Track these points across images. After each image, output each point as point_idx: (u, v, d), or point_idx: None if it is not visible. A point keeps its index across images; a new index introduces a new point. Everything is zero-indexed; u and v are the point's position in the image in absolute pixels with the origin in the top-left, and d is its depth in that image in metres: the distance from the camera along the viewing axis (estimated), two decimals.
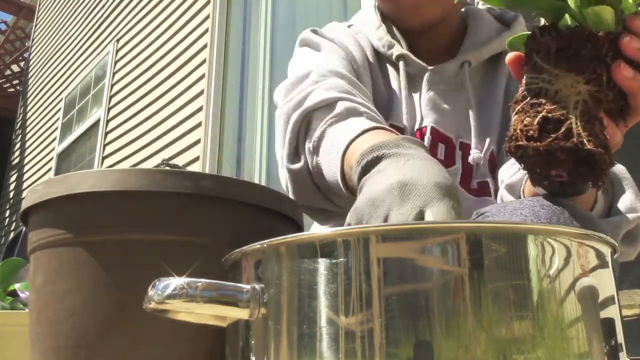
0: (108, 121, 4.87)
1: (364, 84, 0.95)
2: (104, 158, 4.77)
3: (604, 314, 0.43)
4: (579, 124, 0.53)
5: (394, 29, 1.03)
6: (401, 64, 0.99)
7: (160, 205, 0.58)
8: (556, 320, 0.40)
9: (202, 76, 3.64)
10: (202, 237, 0.58)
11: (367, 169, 0.64)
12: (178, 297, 0.42)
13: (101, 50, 5.39)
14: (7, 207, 6.88)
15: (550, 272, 0.41)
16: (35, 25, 7.68)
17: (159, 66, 4.21)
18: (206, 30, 3.74)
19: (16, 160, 6.98)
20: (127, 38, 4.84)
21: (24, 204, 0.64)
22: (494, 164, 0.96)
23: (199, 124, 3.54)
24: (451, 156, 0.96)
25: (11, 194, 6.89)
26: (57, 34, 6.76)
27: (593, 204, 0.77)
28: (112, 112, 4.83)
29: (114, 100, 4.85)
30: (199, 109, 3.58)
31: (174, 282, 0.42)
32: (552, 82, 0.56)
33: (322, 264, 0.41)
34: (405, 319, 0.39)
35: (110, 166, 4.39)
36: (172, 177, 0.58)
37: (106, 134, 4.81)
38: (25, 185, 6.42)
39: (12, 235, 5.11)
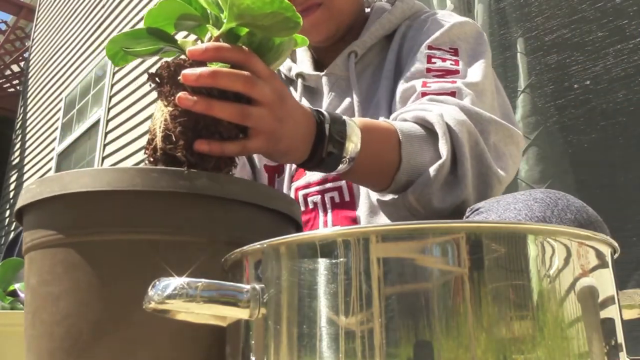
0: (108, 121, 4.87)
1: None
2: (104, 158, 4.76)
3: (604, 314, 0.43)
4: (158, 138, 0.64)
5: (307, 50, 1.16)
6: (299, 81, 1.11)
7: (155, 205, 0.57)
8: (556, 320, 0.40)
9: None
10: (199, 237, 0.57)
11: None
12: (178, 297, 0.42)
13: (101, 50, 5.39)
14: (7, 207, 6.88)
15: (550, 272, 0.41)
16: (35, 25, 7.68)
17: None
18: None
19: (16, 160, 6.98)
20: None
21: (18, 203, 0.63)
22: None
23: None
24: None
25: (11, 194, 6.89)
26: (57, 34, 6.76)
27: (391, 176, 0.82)
28: (112, 112, 4.83)
29: (114, 100, 4.85)
30: None
31: (174, 282, 0.42)
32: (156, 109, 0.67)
33: (322, 264, 0.41)
34: (405, 319, 0.39)
35: (110, 166, 4.39)
36: (167, 176, 0.57)
37: (106, 134, 4.81)
38: (25, 185, 6.41)
39: (12, 235, 5.11)
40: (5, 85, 8.41)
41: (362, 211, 0.98)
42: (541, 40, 2.03)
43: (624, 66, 1.80)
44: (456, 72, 0.96)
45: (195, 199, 0.57)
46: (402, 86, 0.97)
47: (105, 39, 5.36)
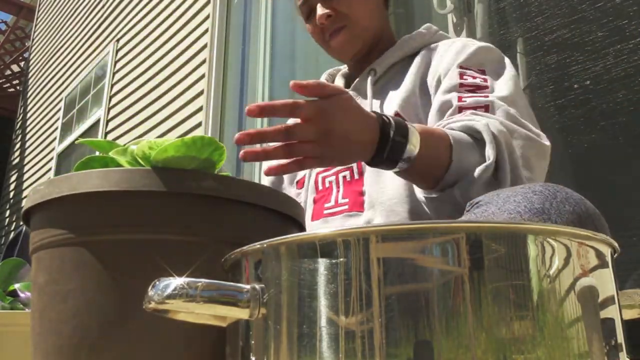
0: (108, 121, 4.87)
1: None
2: None
3: (604, 314, 0.43)
4: None
5: (342, 66, 1.31)
6: None
7: (163, 205, 0.58)
8: (556, 320, 0.40)
9: (202, 76, 3.64)
10: (203, 237, 0.58)
11: None
12: (178, 297, 0.42)
13: (101, 50, 5.39)
14: (7, 207, 6.88)
15: (550, 272, 0.41)
16: (35, 25, 7.68)
17: (159, 66, 4.21)
18: (206, 30, 3.74)
19: (16, 160, 6.98)
20: (127, 38, 4.84)
21: (26, 204, 0.63)
22: None
23: (199, 124, 3.54)
24: None
25: (11, 194, 6.89)
26: (57, 34, 6.76)
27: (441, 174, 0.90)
28: (112, 112, 4.83)
29: (114, 100, 4.85)
30: (199, 109, 3.58)
31: (174, 282, 0.42)
32: None
33: (322, 264, 0.41)
34: (405, 319, 0.39)
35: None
36: (174, 177, 0.58)
37: (106, 134, 4.81)
38: (25, 185, 6.41)
39: (12, 235, 5.11)
40: (5, 85, 8.41)
41: (367, 185, 1.10)
42: (541, 40, 2.03)
43: (624, 66, 1.80)
44: (486, 87, 1.07)
45: (201, 199, 0.58)
46: (439, 99, 1.07)
47: (105, 38, 5.36)
